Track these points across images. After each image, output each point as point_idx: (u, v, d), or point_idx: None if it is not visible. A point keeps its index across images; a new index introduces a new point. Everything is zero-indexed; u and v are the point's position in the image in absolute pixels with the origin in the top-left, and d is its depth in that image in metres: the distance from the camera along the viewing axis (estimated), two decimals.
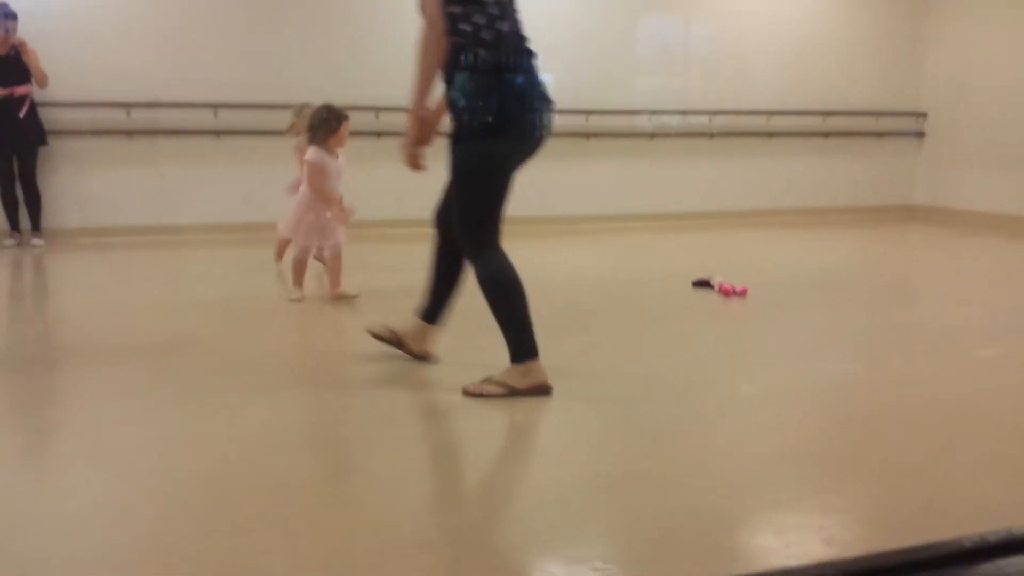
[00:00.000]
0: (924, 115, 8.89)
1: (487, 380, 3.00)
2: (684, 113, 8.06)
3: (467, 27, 2.79)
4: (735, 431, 2.77)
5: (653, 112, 7.96)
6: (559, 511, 2.14)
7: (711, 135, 8.15)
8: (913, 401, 3.10)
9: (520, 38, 2.92)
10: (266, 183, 6.41)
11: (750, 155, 8.37)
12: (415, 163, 3.00)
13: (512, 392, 2.95)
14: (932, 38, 8.79)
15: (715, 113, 8.12)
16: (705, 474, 2.40)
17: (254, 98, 6.71)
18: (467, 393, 2.98)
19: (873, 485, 2.34)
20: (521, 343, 2.97)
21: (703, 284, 5.01)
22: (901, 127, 8.88)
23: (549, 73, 7.63)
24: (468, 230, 2.97)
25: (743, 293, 4.81)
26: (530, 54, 2.93)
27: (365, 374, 3.31)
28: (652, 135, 7.99)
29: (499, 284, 2.95)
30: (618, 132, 7.86)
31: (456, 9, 2.78)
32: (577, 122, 7.65)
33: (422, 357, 3.38)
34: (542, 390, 2.97)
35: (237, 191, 6.93)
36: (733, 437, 2.71)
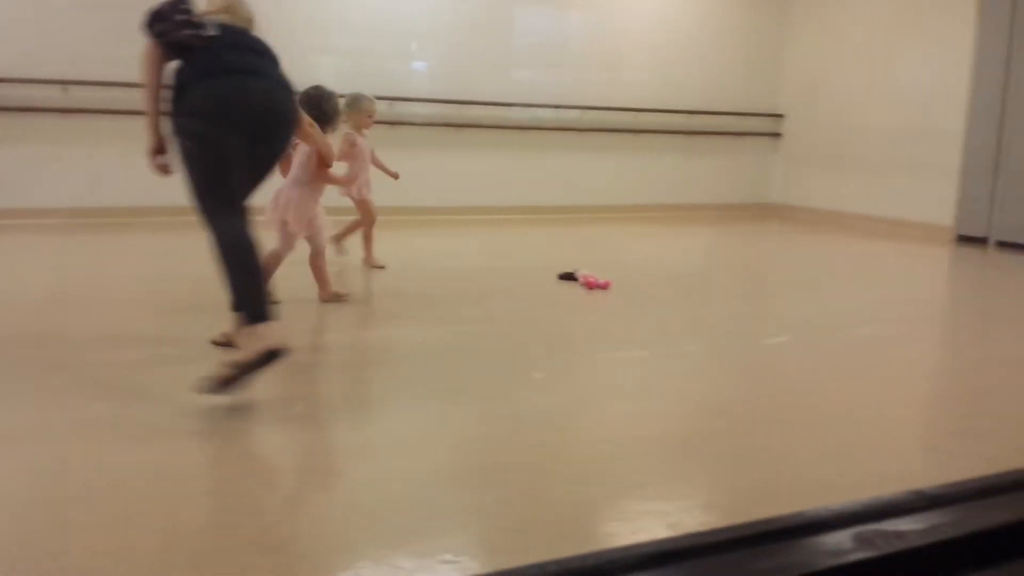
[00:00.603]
0: (781, 116, 9.31)
1: (221, 365, 2.78)
2: (556, 107, 8.16)
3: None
4: (591, 420, 2.83)
5: (526, 105, 8.02)
6: (410, 505, 2.12)
7: (581, 130, 8.29)
8: (758, 388, 3.24)
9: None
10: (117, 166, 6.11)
11: (618, 151, 8.57)
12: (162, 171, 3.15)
13: (244, 367, 2.74)
14: (790, 42, 9.22)
15: (586, 108, 8.26)
16: (559, 463, 2.44)
17: (109, 75, 6.38)
18: (212, 389, 2.73)
19: (714, 471, 2.44)
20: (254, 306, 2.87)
21: (568, 277, 5.09)
22: (760, 127, 9.27)
23: (423, 62, 7.67)
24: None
25: (606, 286, 4.91)
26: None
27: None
28: (525, 128, 8.06)
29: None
30: (491, 123, 7.88)
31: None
32: (449, 112, 7.63)
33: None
34: (275, 354, 2.79)
35: (85, 174, 6.58)
36: (588, 426, 2.77)
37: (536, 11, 8.11)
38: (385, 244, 5.84)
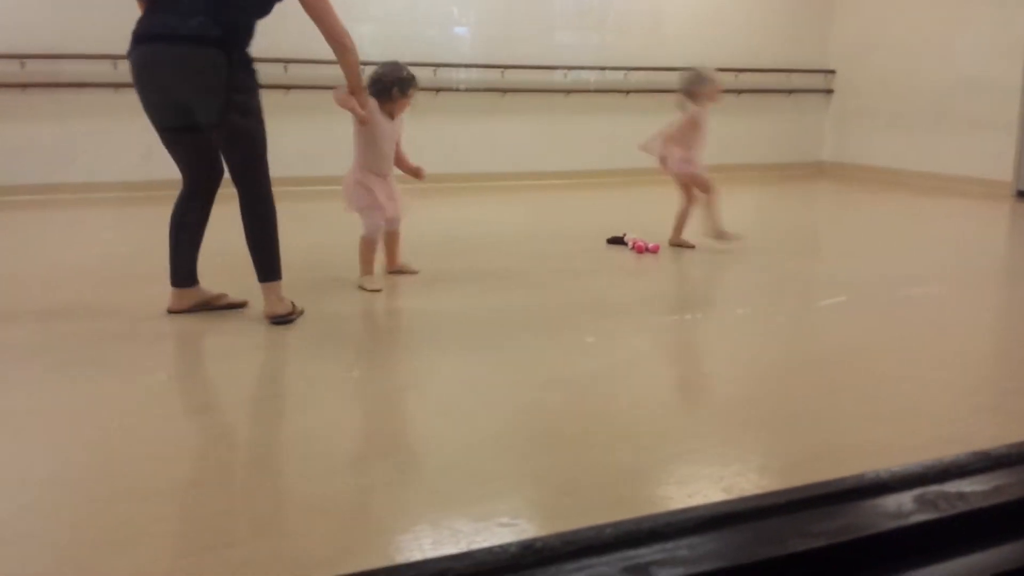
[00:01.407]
0: (832, 72, 9.09)
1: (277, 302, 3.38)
2: (600, 69, 8.07)
3: None
4: (640, 385, 2.83)
5: (569, 68, 7.94)
6: (464, 471, 2.15)
7: (627, 92, 8.19)
8: (813, 350, 3.21)
9: None
10: None
11: (665, 112, 8.42)
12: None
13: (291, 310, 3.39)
14: None
15: (631, 69, 8.15)
16: (612, 428, 2.44)
17: None
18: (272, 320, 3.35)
19: (769, 434, 2.43)
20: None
21: (617, 241, 5.06)
22: (810, 84, 9.07)
23: (464, 27, 7.62)
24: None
25: (655, 250, 4.88)
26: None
27: (234, 338, 3.26)
28: (568, 91, 7.99)
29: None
30: (534, 88, 7.83)
31: None
32: (492, 77, 7.59)
33: (234, 305, 3.60)
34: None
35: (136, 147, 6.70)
36: (639, 391, 2.77)
37: None
38: (432, 211, 5.86)
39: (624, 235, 5.06)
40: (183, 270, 3.45)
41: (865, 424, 2.49)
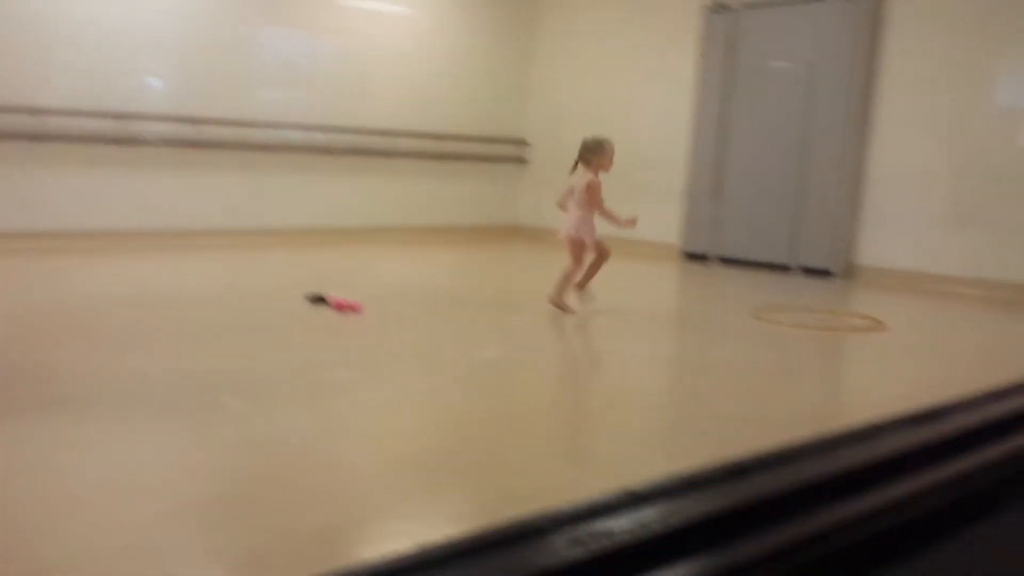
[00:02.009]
0: (526, 143, 9.72)
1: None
2: (305, 128, 8.00)
3: None
4: (328, 446, 2.77)
5: (273, 125, 7.79)
6: (134, 554, 1.96)
7: (331, 152, 8.18)
8: (495, 401, 3.33)
9: None
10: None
11: (370, 173, 8.55)
12: None
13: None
14: (535, 73, 9.66)
15: (336, 131, 8.16)
16: (293, 492, 2.36)
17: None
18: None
19: (455, 485, 2.47)
20: None
21: (318, 300, 4.98)
22: (507, 153, 9.62)
23: (159, 78, 7.23)
24: None
25: (358, 308, 4.86)
26: None
27: None
28: (272, 148, 7.82)
29: None
30: (233, 143, 7.58)
31: None
32: (188, 131, 7.26)
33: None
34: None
35: None
36: (325, 452, 2.71)
37: (285, 32, 7.91)
38: (115, 270, 5.43)
39: (325, 293, 4.99)
40: None
41: (548, 467, 2.61)
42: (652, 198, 8.55)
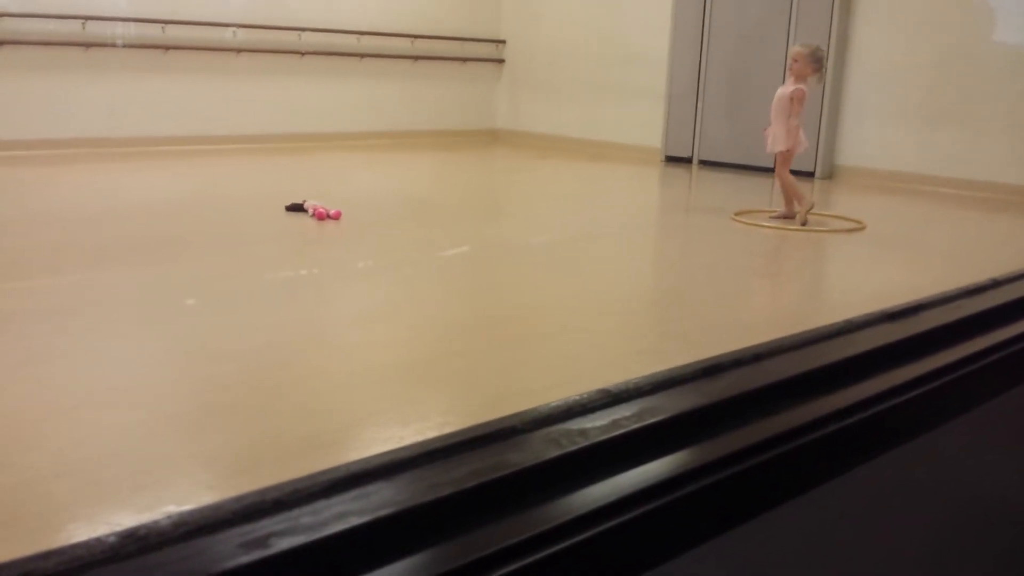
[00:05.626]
0: (503, 42, 9.48)
1: None
2: (275, 28, 7.76)
3: None
4: (319, 357, 2.78)
5: (240, 26, 7.55)
6: (127, 458, 1.98)
7: (301, 53, 7.96)
8: (479, 306, 3.34)
9: None
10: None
11: (341, 76, 8.34)
12: None
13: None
14: None
15: (305, 30, 7.93)
16: (283, 401, 2.37)
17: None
18: None
19: (437, 392, 2.49)
20: None
21: (297, 208, 4.92)
22: (483, 53, 9.39)
23: None
24: None
25: (337, 216, 4.81)
26: None
27: None
28: (239, 50, 7.60)
29: None
30: (201, 45, 7.35)
31: None
32: (153, 32, 7.01)
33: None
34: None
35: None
36: (306, 361, 2.72)
37: None
38: (84, 179, 5.34)
39: (304, 201, 4.93)
40: None
41: (529, 372, 2.64)
42: (632, 100, 8.43)
